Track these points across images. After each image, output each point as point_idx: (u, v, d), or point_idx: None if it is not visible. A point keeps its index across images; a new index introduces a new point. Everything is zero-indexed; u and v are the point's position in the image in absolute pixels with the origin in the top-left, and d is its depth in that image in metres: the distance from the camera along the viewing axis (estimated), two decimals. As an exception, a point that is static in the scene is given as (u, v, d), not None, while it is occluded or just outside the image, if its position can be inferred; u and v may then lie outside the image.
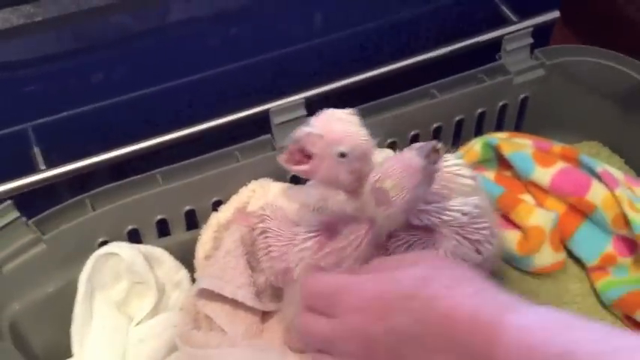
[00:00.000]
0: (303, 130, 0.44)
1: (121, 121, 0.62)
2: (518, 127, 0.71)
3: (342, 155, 0.44)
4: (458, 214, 0.47)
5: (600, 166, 0.59)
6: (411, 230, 0.48)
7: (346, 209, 0.48)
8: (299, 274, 0.49)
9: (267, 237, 0.53)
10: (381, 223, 0.46)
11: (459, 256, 0.47)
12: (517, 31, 0.67)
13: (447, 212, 0.47)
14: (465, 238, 0.47)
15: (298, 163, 0.45)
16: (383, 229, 0.47)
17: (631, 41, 0.98)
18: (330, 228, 0.49)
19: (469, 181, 0.50)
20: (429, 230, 0.47)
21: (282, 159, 0.46)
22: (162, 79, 0.62)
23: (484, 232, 0.48)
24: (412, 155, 0.43)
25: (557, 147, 0.62)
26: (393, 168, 0.43)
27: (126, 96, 0.62)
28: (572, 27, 0.99)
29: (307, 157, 0.45)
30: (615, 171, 0.60)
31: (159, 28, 0.61)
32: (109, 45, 0.59)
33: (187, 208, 0.61)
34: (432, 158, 0.43)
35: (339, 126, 0.44)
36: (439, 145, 0.43)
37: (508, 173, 0.63)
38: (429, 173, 0.43)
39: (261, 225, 0.54)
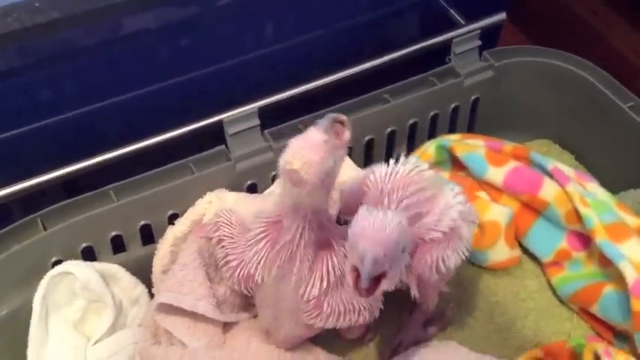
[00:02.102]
0: (370, 260, 0.41)
1: (71, 137, 0.61)
2: (471, 128, 0.72)
3: (404, 249, 0.44)
4: (458, 212, 0.48)
5: (551, 164, 0.60)
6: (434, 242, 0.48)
7: (285, 204, 0.48)
8: (261, 276, 0.50)
9: (223, 246, 0.53)
10: (308, 204, 0.46)
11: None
12: (465, 34, 0.68)
13: (453, 218, 0.48)
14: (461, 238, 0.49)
15: (371, 290, 0.43)
16: (316, 209, 0.47)
17: (579, 38, 1.01)
18: (276, 225, 0.49)
19: (430, 173, 0.51)
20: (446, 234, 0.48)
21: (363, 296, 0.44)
22: (112, 93, 0.61)
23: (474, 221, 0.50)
24: (312, 132, 0.43)
25: (508, 146, 0.63)
26: (297, 147, 0.43)
27: (76, 112, 0.61)
28: (520, 26, 1.01)
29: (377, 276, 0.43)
30: (566, 167, 0.61)
31: (108, 42, 0.60)
32: (56, 61, 0.58)
33: (143, 222, 0.60)
34: (335, 131, 0.43)
35: (389, 230, 0.42)
36: (341, 118, 0.44)
37: (462, 174, 0.64)
38: (332, 146, 0.43)
39: (217, 234, 0.54)
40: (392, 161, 0.50)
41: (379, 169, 0.50)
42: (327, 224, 0.49)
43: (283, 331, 0.54)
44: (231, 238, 0.53)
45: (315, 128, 0.44)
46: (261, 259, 0.49)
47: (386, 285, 0.43)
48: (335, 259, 0.49)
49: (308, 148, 0.43)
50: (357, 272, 0.43)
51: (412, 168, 0.50)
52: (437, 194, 0.50)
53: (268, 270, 0.49)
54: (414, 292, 0.51)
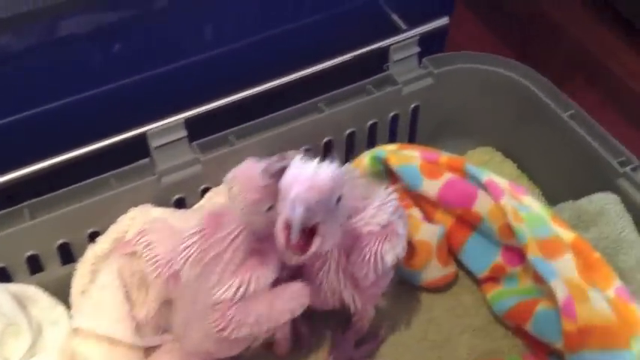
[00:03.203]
0: (300, 207, 0.39)
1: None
2: (412, 137, 0.70)
3: (339, 199, 0.42)
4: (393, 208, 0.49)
5: (486, 176, 0.58)
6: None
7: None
8: (186, 273, 0.48)
9: (152, 248, 0.51)
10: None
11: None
12: (403, 40, 0.66)
13: (388, 213, 0.48)
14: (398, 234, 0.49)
15: (304, 247, 0.42)
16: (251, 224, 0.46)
17: (541, 31, 1.00)
18: (216, 219, 0.48)
19: (363, 180, 0.52)
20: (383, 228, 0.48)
21: (291, 260, 0.43)
22: (28, 104, 0.58)
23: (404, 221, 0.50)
24: (258, 171, 0.43)
25: (444, 157, 0.61)
26: (240, 175, 0.43)
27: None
28: (486, 23, 1.00)
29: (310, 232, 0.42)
30: (500, 180, 0.59)
31: (34, 48, 0.57)
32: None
33: (60, 241, 0.57)
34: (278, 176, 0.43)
35: (323, 176, 0.40)
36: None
37: (398, 186, 0.62)
38: (270, 191, 0.42)
39: (144, 239, 0.52)
40: (326, 161, 0.49)
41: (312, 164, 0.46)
42: (265, 238, 0.47)
43: (191, 341, 0.51)
44: (161, 239, 0.51)
45: (263, 171, 0.43)
46: (190, 255, 0.48)
47: (319, 243, 0.42)
48: (262, 270, 0.47)
49: (247, 184, 0.43)
50: (289, 229, 0.41)
51: (346, 171, 0.49)
52: (371, 196, 0.49)
53: (195, 266, 0.48)
54: (351, 302, 0.49)
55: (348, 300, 0.49)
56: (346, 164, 0.62)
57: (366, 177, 0.62)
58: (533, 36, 1.06)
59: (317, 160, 0.41)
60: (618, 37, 1.04)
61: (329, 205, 0.41)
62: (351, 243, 0.46)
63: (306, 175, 0.40)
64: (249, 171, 0.43)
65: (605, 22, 1.06)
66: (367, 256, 0.46)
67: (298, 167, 0.41)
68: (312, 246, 0.41)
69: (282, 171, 0.42)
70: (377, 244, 0.47)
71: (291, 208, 0.39)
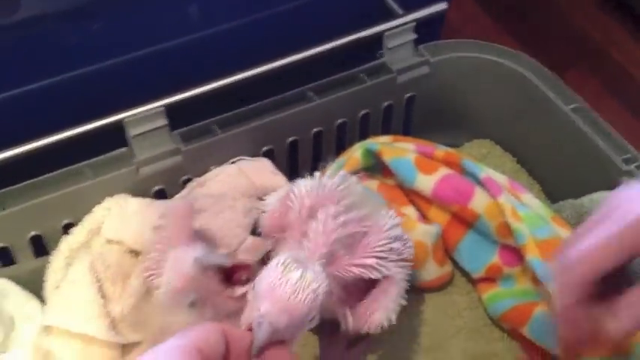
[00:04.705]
0: (267, 329, 0.35)
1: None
2: (407, 128, 0.67)
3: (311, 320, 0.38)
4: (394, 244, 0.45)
5: (484, 172, 0.55)
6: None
7: None
8: None
9: None
10: None
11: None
12: (398, 26, 0.63)
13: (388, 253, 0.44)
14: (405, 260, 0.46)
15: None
16: None
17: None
18: None
19: (360, 188, 0.47)
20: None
21: None
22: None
23: (409, 243, 0.47)
24: (191, 259, 0.40)
25: (440, 151, 0.58)
26: (173, 257, 0.41)
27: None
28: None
29: None
30: (499, 176, 0.56)
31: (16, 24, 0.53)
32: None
33: (33, 233, 0.54)
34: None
35: (300, 299, 0.36)
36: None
37: (391, 181, 0.59)
38: (197, 285, 0.40)
39: None
40: (317, 174, 0.46)
41: (302, 183, 0.44)
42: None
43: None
44: None
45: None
46: None
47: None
48: None
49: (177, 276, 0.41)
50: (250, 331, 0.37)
51: (340, 181, 0.45)
52: (371, 214, 0.45)
53: None
54: (344, 320, 0.46)
55: (340, 318, 0.45)
56: (341, 158, 0.59)
57: (362, 176, 0.59)
58: (536, 22, 1.04)
59: (299, 270, 0.36)
60: (622, 26, 1.02)
61: (300, 327, 0.36)
62: (351, 282, 0.43)
63: (283, 292, 0.35)
64: (182, 254, 0.40)
65: (609, 10, 1.04)
66: (363, 310, 0.44)
67: (278, 277, 0.36)
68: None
69: (218, 267, 0.39)
70: (373, 300, 0.44)
71: (258, 324, 0.35)
